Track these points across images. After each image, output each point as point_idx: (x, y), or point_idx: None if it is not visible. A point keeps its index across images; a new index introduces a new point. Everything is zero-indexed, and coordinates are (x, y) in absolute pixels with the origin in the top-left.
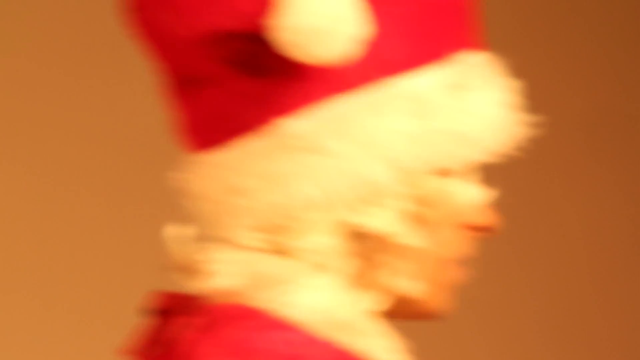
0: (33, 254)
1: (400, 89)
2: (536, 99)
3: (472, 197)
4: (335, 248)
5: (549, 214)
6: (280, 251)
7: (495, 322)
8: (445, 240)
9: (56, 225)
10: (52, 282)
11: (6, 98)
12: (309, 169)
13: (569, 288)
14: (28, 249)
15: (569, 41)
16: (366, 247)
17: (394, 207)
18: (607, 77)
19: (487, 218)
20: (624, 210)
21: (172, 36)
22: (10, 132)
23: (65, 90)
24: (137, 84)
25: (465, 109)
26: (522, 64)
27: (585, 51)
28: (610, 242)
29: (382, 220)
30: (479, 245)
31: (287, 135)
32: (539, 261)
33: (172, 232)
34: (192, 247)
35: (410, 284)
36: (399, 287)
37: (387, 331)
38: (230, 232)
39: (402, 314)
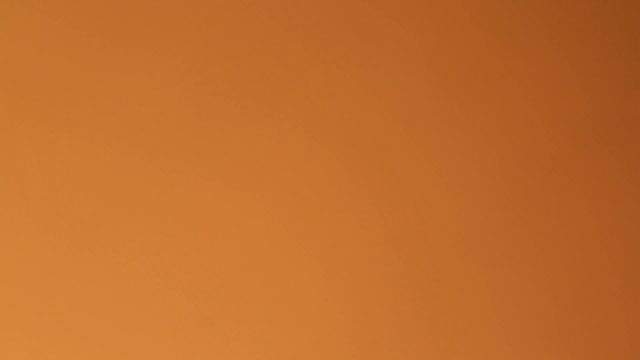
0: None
1: None
2: (536, 98)
3: None
4: None
5: (550, 214)
6: None
7: (503, 323)
8: None
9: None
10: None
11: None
12: None
13: (571, 288)
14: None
15: (569, 41)
16: None
17: None
18: (608, 77)
19: None
20: (625, 211)
21: None
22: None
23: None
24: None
25: None
26: (522, 64)
27: (586, 51)
28: (613, 243)
29: None
30: (486, 247)
31: None
32: (543, 261)
33: None
34: None
35: None
36: None
37: None
38: None
39: None
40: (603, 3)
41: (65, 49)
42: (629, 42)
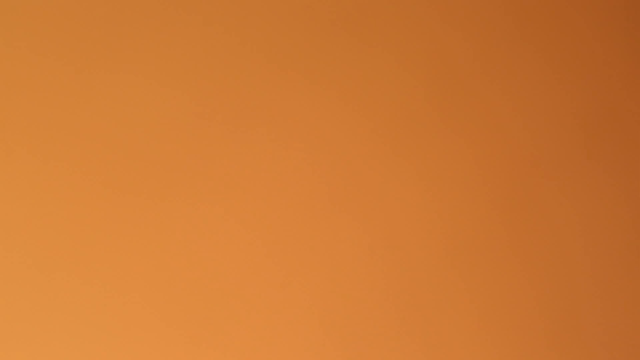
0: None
1: None
2: (535, 98)
3: None
4: None
5: (548, 214)
6: None
7: (496, 322)
8: None
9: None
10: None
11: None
12: None
13: (568, 289)
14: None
15: (569, 41)
16: None
17: None
18: (608, 77)
19: None
20: (624, 211)
21: None
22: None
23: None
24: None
25: None
26: (522, 64)
27: (586, 51)
28: (610, 243)
29: None
30: (480, 248)
31: None
32: (537, 262)
33: None
34: None
35: None
36: None
37: None
38: None
39: None
40: (603, 3)
41: (64, 54)
42: (629, 41)
